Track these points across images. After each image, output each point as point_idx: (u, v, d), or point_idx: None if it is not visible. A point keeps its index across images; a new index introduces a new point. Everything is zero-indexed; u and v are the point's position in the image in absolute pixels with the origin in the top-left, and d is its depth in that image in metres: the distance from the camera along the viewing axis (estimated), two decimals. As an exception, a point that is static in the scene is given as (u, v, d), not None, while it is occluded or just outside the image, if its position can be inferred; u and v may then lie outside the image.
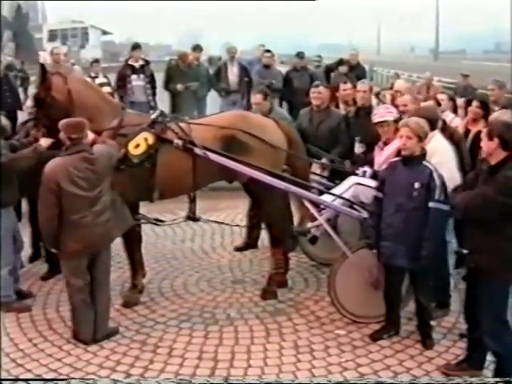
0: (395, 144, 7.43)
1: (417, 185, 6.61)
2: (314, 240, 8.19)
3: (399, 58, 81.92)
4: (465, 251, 6.11)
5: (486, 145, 5.92)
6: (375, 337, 7.09)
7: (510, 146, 5.79)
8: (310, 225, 8.14)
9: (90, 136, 7.11)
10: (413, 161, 6.73)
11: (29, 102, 8.51)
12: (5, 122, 8.35)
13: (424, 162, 6.71)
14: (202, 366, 6.64)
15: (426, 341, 6.95)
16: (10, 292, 7.89)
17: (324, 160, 8.97)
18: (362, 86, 9.53)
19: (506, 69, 27.33)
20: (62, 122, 6.96)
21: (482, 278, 5.95)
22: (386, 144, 7.88)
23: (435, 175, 6.58)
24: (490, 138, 5.84)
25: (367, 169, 7.90)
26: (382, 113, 7.92)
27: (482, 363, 6.36)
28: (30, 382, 6.43)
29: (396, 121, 7.68)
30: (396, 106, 8.55)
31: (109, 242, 7.24)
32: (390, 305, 7.12)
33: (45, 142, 7.66)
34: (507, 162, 5.79)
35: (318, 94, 9.54)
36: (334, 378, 6.37)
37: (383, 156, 7.76)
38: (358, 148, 8.65)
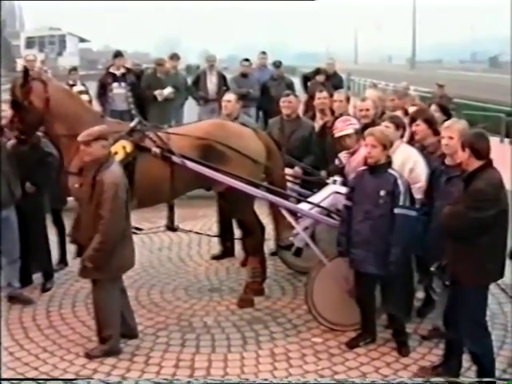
0: (361, 153, 7.47)
1: (382, 192, 6.73)
2: (298, 252, 8.16)
3: (376, 66, 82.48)
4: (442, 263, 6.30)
5: (461, 157, 6.10)
6: (351, 344, 7.13)
7: (482, 154, 5.90)
8: (291, 238, 8.12)
9: None
10: (378, 169, 6.85)
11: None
12: None
13: (389, 170, 6.83)
14: (179, 374, 6.65)
15: (402, 348, 7.01)
16: (16, 284, 8.26)
17: (297, 168, 9.02)
18: (338, 95, 9.59)
19: (482, 78, 27.57)
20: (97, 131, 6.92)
21: (459, 285, 6.08)
22: (352, 154, 7.89)
23: (399, 182, 6.72)
24: (463, 149, 5.96)
25: (337, 178, 7.98)
26: (342, 126, 7.96)
27: (458, 369, 6.43)
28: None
29: (357, 132, 7.81)
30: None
31: None
32: (364, 312, 7.18)
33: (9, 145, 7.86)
34: (481, 171, 5.88)
35: (289, 103, 9.56)
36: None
37: (351, 165, 7.77)
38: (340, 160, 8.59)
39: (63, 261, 9.49)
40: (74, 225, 7.09)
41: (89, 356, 6.96)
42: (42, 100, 7.66)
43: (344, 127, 7.92)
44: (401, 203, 6.68)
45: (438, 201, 6.63)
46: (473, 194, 5.84)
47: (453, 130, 6.67)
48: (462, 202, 5.92)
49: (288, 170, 8.85)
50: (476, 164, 5.90)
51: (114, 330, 7.02)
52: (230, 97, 9.39)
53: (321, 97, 10.17)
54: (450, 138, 6.63)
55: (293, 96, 9.77)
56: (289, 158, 8.92)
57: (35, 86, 7.69)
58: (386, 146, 6.83)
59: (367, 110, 8.63)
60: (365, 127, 7.77)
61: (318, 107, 10.20)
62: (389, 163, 6.88)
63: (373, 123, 8.21)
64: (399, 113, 9.15)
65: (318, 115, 10.19)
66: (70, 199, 8.70)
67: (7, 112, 8.19)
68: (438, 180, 6.79)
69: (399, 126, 7.69)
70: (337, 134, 8.00)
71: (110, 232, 6.67)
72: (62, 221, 9.32)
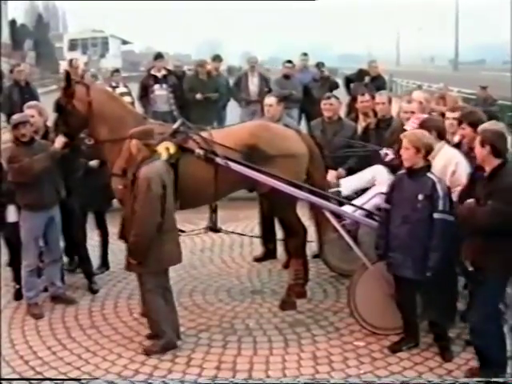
0: None
1: (420, 196, 6.64)
2: None
3: (419, 68, 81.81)
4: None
5: (478, 152, 6.13)
6: (394, 348, 7.05)
7: (502, 153, 6.02)
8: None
9: None
10: (417, 173, 6.76)
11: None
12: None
13: (428, 174, 6.73)
14: (220, 376, 6.63)
15: (445, 353, 6.92)
16: (59, 283, 8.38)
17: (340, 170, 8.98)
18: (380, 97, 9.51)
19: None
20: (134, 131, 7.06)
21: (481, 277, 6.13)
22: None
23: (438, 186, 6.61)
24: (482, 146, 6.04)
25: (389, 151, 8.08)
26: (411, 124, 7.86)
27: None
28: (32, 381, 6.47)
29: None
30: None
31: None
32: (405, 316, 7.09)
33: (58, 143, 7.85)
34: (501, 169, 6.02)
35: (330, 105, 9.60)
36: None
37: None
38: (387, 156, 8.53)
39: (105, 264, 9.54)
40: (121, 223, 7.15)
41: (147, 352, 7.06)
42: (85, 103, 7.74)
43: (412, 125, 7.84)
44: (440, 208, 6.56)
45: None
46: (506, 189, 5.89)
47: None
48: (495, 198, 5.90)
49: (331, 172, 8.81)
50: (495, 162, 6.02)
51: (165, 325, 7.08)
52: (271, 100, 9.35)
53: (363, 100, 10.11)
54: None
55: (334, 98, 9.76)
56: (332, 160, 8.88)
57: (78, 90, 7.77)
58: (419, 148, 6.69)
59: (412, 112, 8.52)
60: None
61: (361, 110, 10.14)
62: (428, 167, 6.78)
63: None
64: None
65: (361, 117, 10.14)
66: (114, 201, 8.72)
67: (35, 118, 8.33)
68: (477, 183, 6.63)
69: (433, 128, 7.53)
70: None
71: (142, 226, 6.78)
72: (106, 224, 9.37)
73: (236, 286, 8.86)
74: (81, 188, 8.50)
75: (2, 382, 6.36)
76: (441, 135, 7.31)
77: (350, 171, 8.92)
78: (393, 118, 9.46)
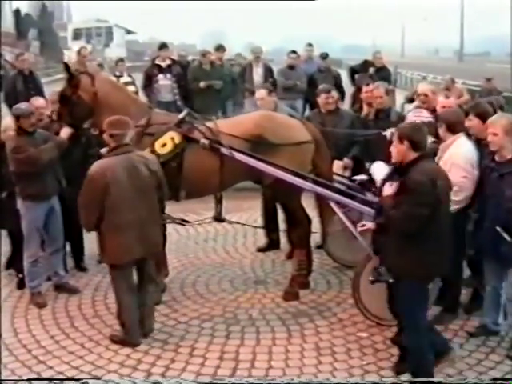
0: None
1: None
2: None
3: (423, 59, 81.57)
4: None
5: (397, 149, 5.98)
6: (396, 340, 7.02)
7: (420, 146, 5.92)
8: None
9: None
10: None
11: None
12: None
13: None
14: (223, 367, 6.64)
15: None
16: (62, 272, 8.43)
17: (346, 160, 8.97)
18: (378, 91, 9.43)
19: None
20: (107, 120, 7.02)
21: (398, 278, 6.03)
22: None
23: None
24: (401, 142, 5.93)
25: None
26: (410, 117, 7.93)
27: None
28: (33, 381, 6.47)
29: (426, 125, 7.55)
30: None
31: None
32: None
33: (64, 133, 7.89)
34: (416, 163, 5.88)
35: (332, 98, 9.61)
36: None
37: None
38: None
39: None
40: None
41: (111, 337, 7.17)
42: (90, 94, 7.74)
43: (412, 117, 7.87)
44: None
45: (491, 199, 6.56)
46: (413, 187, 5.75)
47: (496, 125, 6.55)
48: (405, 201, 5.78)
49: (337, 162, 8.80)
50: (413, 156, 5.90)
51: (126, 319, 7.06)
52: (261, 94, 9.34)
53: (368, 90, 10.10)
54: (494, 134, 6.53)
55: (334, 91, 9.80)
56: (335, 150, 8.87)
57: (83, 80, 7.76)
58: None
59: (450, 107, 8.46)
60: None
61: (365, 100, 10.14)
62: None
63: None
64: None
65: (365, 107, 10.13)
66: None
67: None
68: (489, 177, 6.65)
69: (442, 121, 7.48)
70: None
71: (81, 217, 6.92)
72: None
73: (239, 276, 8.85)
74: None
75: (3, 382, 6.36)
76: (451, 128, 7.26)
77: (355, 160, 8.93)
78: (391, 108, 9.56)
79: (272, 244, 9.87)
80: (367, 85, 10.26)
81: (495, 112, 7.59)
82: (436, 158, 7.12)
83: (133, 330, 7.05)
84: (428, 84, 10.41)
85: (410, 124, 6.37)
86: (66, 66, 7.90)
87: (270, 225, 9.80)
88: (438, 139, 7.40)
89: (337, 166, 8.81)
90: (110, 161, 6.80)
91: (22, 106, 8.01)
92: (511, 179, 6.42)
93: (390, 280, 6.08)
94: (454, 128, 7.19)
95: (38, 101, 8.70)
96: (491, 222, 6.52)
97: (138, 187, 6.81)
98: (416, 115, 7.92)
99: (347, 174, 8.92)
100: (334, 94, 9.70)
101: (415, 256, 5.84)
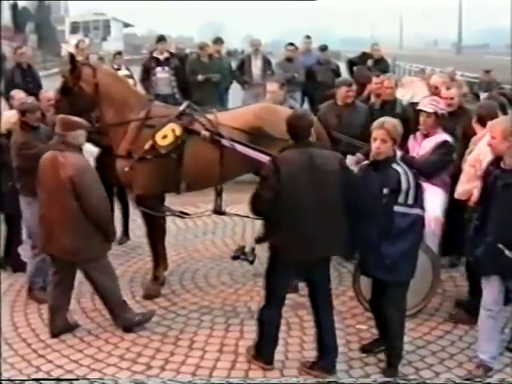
0: (435, 140, 7.52)
1: (385, 190, 6.03)
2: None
3: (422, 52, 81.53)
4: None
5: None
6: (365, 348, 6.84)
7: (296, 134, 6.19)
8: None
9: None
10: (382, 164, 6.16)
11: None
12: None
13: (393, 165, 6.12)
14: (222, 359, 6.64)
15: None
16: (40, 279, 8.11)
17: (359, 154, 8.98)
18: (389, 82, 9.66)
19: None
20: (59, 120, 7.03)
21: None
22: (425, 136, 7.72)
23: (402, 178, 6.01)
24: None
25: None
26: (425, 103, 7.78)
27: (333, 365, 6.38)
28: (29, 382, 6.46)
29: (438, 116, 7.62)
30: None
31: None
32: (376, 318, 6.69)
33: None
34: (281, 152, 6.19)
35: (352, 92, 9.67)
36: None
37: (425, 148, 7.63)
38: None
39: (126, 234, 9.94)
40: None
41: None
42: (91, 85, 7.71)
43: (427, 104, 7.71)
44: (400, 200, 5.99)
45: (495, 210, 6.03)
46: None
47: (495, 128, 6.14)
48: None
49: (350, 157, 8.81)
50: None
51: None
52: (273, 87, 9.37)
53: (378, 82, 10.26)
54: (493, 137, 6.10)
55: (354, 85, 9.89)
56: (351, 143, 8.97)
57: (85, 72, 7.74)
58: (397, 140, 6.18)
59: (452, 98, 8.48)
60: (449, 116, 7.84)
61: (375, 91, 10.25)
62: (393, 157, 6.20)
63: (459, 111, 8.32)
64: None
65: (373, 98, 10.25)
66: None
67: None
68: (493, 186, 6.08)
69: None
70: (417, 106, 7.87)
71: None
72: (126, 197, 9.49)
73: (238, 269, 8.83)
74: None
75: (3, 382, 6.36)
76: (482, 121, 7.23)
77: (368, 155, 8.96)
78: (397, 99, 9.66)
79: None
80: (377, 76, 10.41)
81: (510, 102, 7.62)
82: (467, 151, 7.11)
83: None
84: (440, 76, 10.37)
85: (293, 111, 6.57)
86: (72, 57, 7.88)
87: None
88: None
89: (350, 160, 8.81)
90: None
91: (29, 100, 8.01)
92: None
93: (251, 259, 6.56)
94: (485, 121, 7.12)
95: (48, 93, 8.70)
96: (493, 237, 5.99)
97: None
98: (432, 103, 7.72)
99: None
100: (354, 87, 9.78)
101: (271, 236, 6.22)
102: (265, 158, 7.58)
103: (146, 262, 8.89)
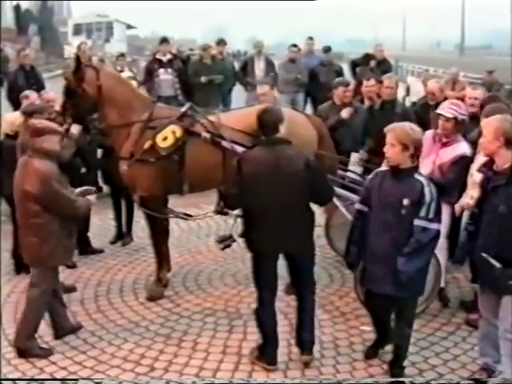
0: (454, 152, 7.19)
1: (406, 201, 5.75)
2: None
3: (425, 53, 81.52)
4: None
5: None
6: (369, 352, 6.76)
7: (264, 130, 6.30)
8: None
9: None
10: (403, 174, 5.87)
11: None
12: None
13: (416, 175, 5.86)
14: (225, 361, 6.64)
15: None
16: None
17: (362, 152, 9.01)
18: (389, 81, 9.63)
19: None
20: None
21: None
22: (443, 145, 7.33)
23: (426, 190, 5.75)
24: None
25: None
26: (444, 106, 7.43)
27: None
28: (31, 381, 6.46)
29: (458, 121, 7.24)
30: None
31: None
32: (378, 328, 6.62)
33: (76, 130, 7.81)
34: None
35: (349, 92, 9.80)
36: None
37: (443, 159, 7.27)
38: None
39: (129, 235, 10.01)
40: None
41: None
42: (95, 87, 7.71)
43: (446, 108, 7.36)
44: (421, 214, 5.73)
45: (485, 214, 5.77)
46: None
47: (486, 127, 5.82)
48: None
49: (354, 155, 8.82)
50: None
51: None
52: (263, 89, 9.57)
53: (368, 85, 10.36)
54: (484, 136, 5.78)
55: (351, 85, 10.03)
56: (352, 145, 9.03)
57: (88, 74, 7.74)
58: (408, 145, 5.79)
59: (476, 98, 8.42)
60: (472, 117, 7.69)
61: (366, 94, 10.26)
62: (416, 167, 5.95)
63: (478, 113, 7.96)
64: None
65: (367, 102, 10.20)
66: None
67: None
68: (485, 188, 5.80)
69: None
70: (437, 110, 7.55)
71: None
72: (131, 198, 9.38)
73: (241, 271, 8.83)
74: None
75: (3, 382, 6.36)
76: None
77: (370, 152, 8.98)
78: (396, 99, 9.77)
79: None
80: (368, 79, 10.37)
81: None
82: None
83: None
84: (435, 82, 10.37)
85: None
86: (77, 58, 7.89)
87: None
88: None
89: (354, 157, 8.84)
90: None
91: (36, 101, 8.03)
92: (506, 192, 5.58)
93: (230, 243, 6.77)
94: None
95: (48, 94, 8.72)
96: (483, 242, 5.71)
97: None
98: (451, 107, 7.35)
99: (359, 170, 8.94)
100: (351, 87, 9.82)
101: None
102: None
103: (149, 263, 8.89)
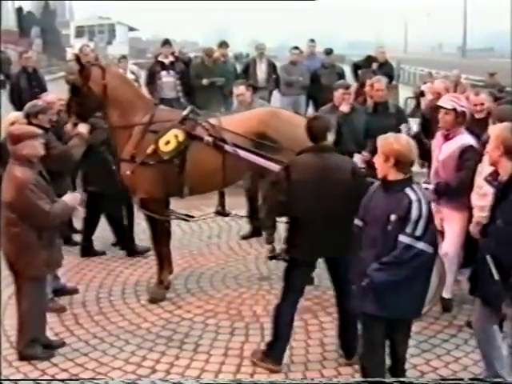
0: (456, 144, 7.21)
1: (393, 217, 5.30)
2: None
3: (427, 55, 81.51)
4: None
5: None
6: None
7: (313, 138, 6.33)
8: None
9: None
10: (391, 186, 5.47)
11: None
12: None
13: (406, 190, 5.37)
14: (227, 363, 6.64)
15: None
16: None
17: (364, 153, 9.02)
18: (379, 84, 9.70)
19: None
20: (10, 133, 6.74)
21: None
22: (445, 139, 7.39)
23: (414, 206, 5.28)
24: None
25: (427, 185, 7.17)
26: (445, 99, 7.52)
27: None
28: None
29: (458, 113, 7.22)
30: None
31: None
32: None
33: (84, 129, 7.88)
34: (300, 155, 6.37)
35: (349, 94, 9.77)
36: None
37: (445, 153, 7.33)
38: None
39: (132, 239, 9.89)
40: None
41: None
42: (100, 86, 7.73)
43: (446, 100, 7.40)
44: (407, 230, 5.25)
45: (490, 224, 5.56)
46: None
47: (491, 133, 5.70)
48: None
49: (357, 156, 8.83)
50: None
51: None
52: (239, 90, 9.67)
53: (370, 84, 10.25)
54: (489, 143, 5.62)
55: (351, 87, 10.04)
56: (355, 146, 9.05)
57: (94, 72, 7.76)
58: (389, 157, 5.38)
59: (482, 104, 8.33)
60: (479, 123, 7.70)
61: (369, 93, 10.25)
62: (406, 180, 5.45)
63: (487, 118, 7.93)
64: None
65: (369, 100, 10.22)
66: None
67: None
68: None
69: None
70: (437, 103, 7.62)
71: None
72: (132, 204, 9.44)
73: (243, 273, 8.85)
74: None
75: (4, 382, 6.36)
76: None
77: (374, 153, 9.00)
78: (388, 101, 9.85)
79: (255, 231, 10.03)
80: (370, 79, 10.39)
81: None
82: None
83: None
84: (441, 82, 10.36)
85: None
86: (77, 58, 7.92)
87: (254, 214, 9.72)
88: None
89: (357, 159, 8.85)
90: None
91: (39, 102, 8.05)
92: (501, 206, 5.42)
93: (286, 258, 6.49)
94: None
95: (47, 96, 8.73)
96: (484, 251, 5.48)
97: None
98: (451, 99, 7.40)
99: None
100: (352, 89, 9.83)
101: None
102: (267, 163, 7.60)
103: (150, 265, 8.89)
